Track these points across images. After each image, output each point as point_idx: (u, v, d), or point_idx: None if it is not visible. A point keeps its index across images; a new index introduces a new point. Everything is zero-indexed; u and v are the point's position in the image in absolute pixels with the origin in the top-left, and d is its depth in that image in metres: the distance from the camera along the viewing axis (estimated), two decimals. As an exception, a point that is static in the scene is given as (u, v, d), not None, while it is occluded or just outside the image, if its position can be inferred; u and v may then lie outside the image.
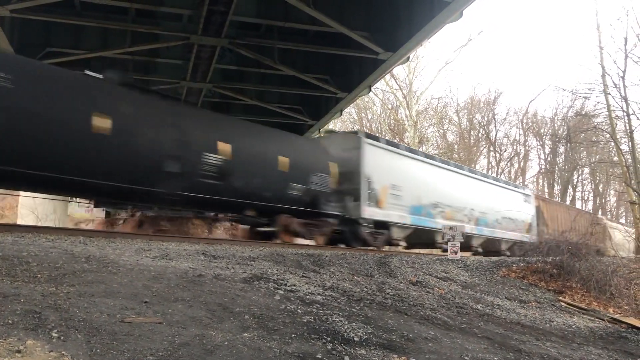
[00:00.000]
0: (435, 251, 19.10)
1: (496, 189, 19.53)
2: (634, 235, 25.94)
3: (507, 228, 18.85)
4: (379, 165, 13.89)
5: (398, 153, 15.27)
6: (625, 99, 19.63)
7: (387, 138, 36.50)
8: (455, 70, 70.79)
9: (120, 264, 5.01)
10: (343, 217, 12.87)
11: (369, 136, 14.40)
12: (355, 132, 14.45)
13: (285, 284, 5.42)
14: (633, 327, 7.28)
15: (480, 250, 17.93)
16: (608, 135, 23.95)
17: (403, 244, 14.95)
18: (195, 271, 5.25)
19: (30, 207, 16.02)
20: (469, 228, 16.20)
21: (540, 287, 9.29)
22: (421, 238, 15.73)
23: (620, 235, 27.53)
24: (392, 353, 3.78)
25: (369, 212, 13.23)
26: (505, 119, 53.23)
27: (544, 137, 42.83)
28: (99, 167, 8.45)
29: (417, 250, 16.34)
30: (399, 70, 30.83)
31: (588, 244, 21.58)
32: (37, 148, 7.74)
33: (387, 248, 16.30)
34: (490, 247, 18.56)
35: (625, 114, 19.81)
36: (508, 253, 18.47)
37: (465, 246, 16.34)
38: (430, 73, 65.89)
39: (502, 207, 18.73)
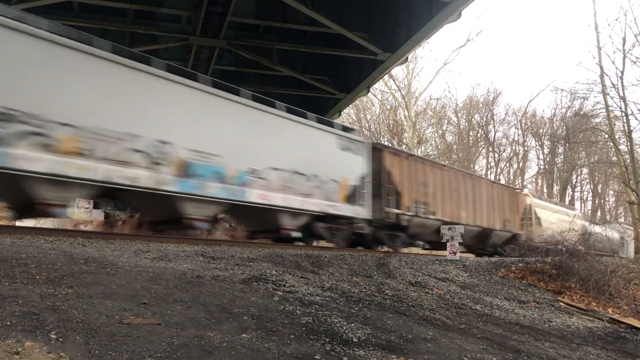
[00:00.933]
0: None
1: (254, 114, 10.37)
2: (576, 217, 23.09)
3: (289, 190, 10.73)
4: None
5: None
6: (623, 99, 19.66)
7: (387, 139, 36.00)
8: (454, 70, 71.38)
9: (118, 265, 5.01)
10: None
11: None
12: None
13: (284, 285, 5.42)
14: (632, 327, 7.29)
15: (206, 226, 9.87)
16: (607, 136, 23.96)
17: None
18: (194, 272, 5.25)
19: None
20: (152, 179, 8.54)
21: (539, 288, 9.30)
22: None
23: (553, 218, 20.48)
24: (391, 354, 3.79)
25: None
26: (504, 119, 53.01)
27: (542, 138, 42.89)
28: None
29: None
30: (397, 70, 30.92)
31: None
32: None
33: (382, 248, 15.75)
34: (251, 220, 11.12)
35: (623, 114, 19.83)
36: (299, 235, 11.37)
37: (169, 216, 9.48)
38: (429, 74, 66.16)
39: (274, 150, 10.53)
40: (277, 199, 10.49)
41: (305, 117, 11.73)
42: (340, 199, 12.04)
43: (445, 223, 14.60)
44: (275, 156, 10.64)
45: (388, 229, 13.64)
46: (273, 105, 10.97)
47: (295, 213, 11.05)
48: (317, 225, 11.72)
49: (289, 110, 11.38)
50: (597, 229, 21.04)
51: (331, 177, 11.87)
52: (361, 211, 12.50)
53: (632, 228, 24.06)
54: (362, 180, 12.74)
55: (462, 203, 16.27)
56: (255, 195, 10.07)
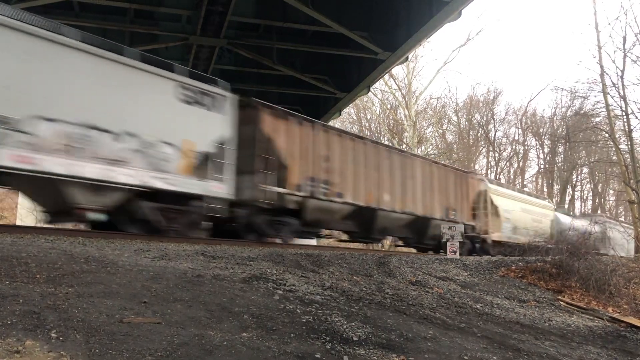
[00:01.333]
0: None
1: (12, 37, 7.17)
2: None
3: (81, 152, 7.67)
4: None
5: None
6: (624, 98, 19.61)
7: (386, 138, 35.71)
8: (454, 70, 71.17)
9: (119, 264, 5.01)
10: None
11: None
12: None
13: (285, 284, 5.42)
14: (632, 326, 7.30)
15: None
16: (607, 135, 23.94)
17: None
18: (194, 271, 5.25)
19: (29, 208, 16.02)
20: None
21: (540, 287, 9.30)
22: None
23: (515, 208, 18.40)
24: (391, 352, 3.79)
25: None
26: (504, 119, 53.07)
27: (543, 137, 42.83)
28: None
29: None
30: (397, 70, 30.88)
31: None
32: None
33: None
34: (34, 195, 8.56)
35: (624, 114, 19.79)
36: (102, 218, 8.29)
37: None
38: (429, 73, 66.15)
39: (51, 93, 7.52)
40: (54, 165, 7.38)
41: (119, 52, 8.43)
42: (180, 169, 8.94)
43: (359, 207, 12.32)
44: (54, 102, 7.52)
45: (273, 213, 10.56)
46: (57, 31, 7.73)
47: (95, 187, 7.88)
48: (141, 206, 8.52)
49: (88, 41, 8.06)
50: (573, 221, 19.65)
51: (163, 138, 8.73)
52: (218, 188, 9.43)
53: (615, 221, 24.11)
54: (220, 147, 9.55)
55: (385, 184, 13.26)
56: (6, 157, 6.93)
